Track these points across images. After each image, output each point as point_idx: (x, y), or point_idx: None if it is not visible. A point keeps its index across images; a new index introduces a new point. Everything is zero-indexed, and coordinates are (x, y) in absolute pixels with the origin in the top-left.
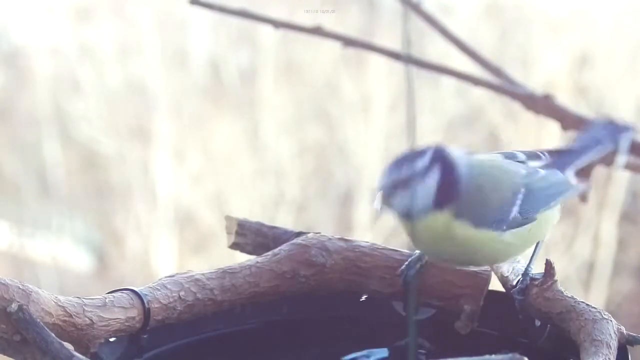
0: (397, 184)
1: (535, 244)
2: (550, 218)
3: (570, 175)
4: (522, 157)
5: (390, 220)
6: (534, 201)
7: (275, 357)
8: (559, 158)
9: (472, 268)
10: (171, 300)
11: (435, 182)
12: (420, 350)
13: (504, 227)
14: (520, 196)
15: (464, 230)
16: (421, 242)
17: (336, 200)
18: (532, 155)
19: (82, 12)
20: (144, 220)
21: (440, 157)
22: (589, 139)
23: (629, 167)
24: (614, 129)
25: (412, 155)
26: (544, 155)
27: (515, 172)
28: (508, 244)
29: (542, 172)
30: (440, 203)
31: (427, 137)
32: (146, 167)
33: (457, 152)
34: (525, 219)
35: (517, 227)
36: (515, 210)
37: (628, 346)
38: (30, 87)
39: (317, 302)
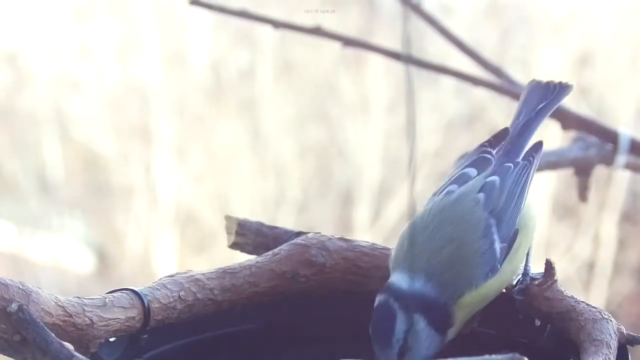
0: (400, 353)
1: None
2: (529, 214)
3: (529, 154)
4: (473, 173)
5: (390, 219)
6: (507, 219)
7: (275, 357)
8: (509, 143)
9: None
10: (171, 300)
11: (426, 325)
12: None
13: (498, 267)
14: (493, 229)
15: (470, 297)
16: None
17: (336, 200)
18: (482, 162)
19: (82, 12)
20: (144, 220)
21: (407, 308)
22: (528, 107)
23: (629, 167)
24: (550, 90)
25: (386, 324)
26: (492, 154)
27: (474, 210)
28: (509, 271)
29: (497, 181)
30: (443, 333)
31: (427, 137)
32: (146, 167)
33: (401, 276)
34: (509, 240)
35: (507, 254)
36: (497, 247)
37: (628, 346)
38: (30, 87)
39: (317, 302)
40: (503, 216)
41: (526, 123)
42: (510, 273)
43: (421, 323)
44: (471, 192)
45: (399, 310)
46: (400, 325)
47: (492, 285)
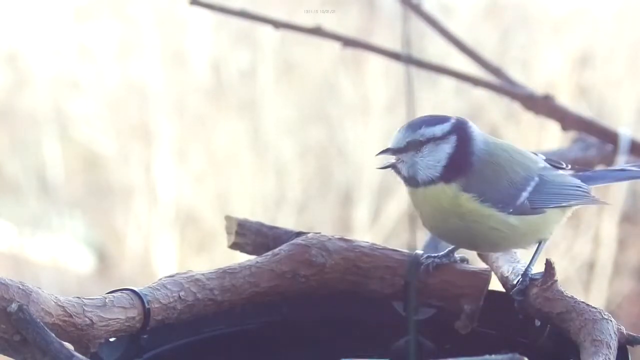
0: (410, 144)
1: (537, 242)
2: (558, 217)
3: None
4: (542, 157)
5: (390, 219)
6: (546, 194)
7: (275, 357)
8: (582, 172)
9: (470, 266)
10: (171, 300)
11: (449, 152)
12: None
13: (510, 210)
14: (532, 183)
15: (470, 204)
16: (424, 212)
17: (336, 200)
18: (555, 161)
19: (82, 12)
20: (144, 220)
21: (461, 128)
22: (617, 169)
23: None
24: None
25: (433, 119)
26: (567, 166)
27: (533, 160)
28: (512, 227)
29: (560, 172)
30: (450, 175)
31: None
32: (147, 167)
33: (476, 128)
34: (533, 209)
35: (524, 214)
36: (524, 196)
37: (628, 346)
38: (30, 87)
39: (317, 302)
40: (545, 188)
41: (604, 173)
42: (508, 234)
43: (449, 144)
44: (538, 157)
45: (450, 124)
46: (438, 129)
47: (487, 217)
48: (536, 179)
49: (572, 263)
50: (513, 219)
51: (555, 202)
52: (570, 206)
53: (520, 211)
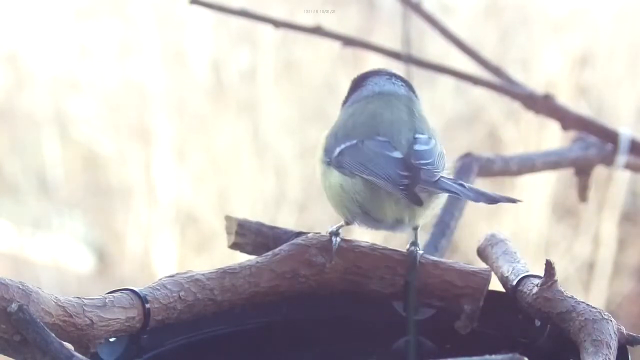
0: None
1: (343, 208)
2: (364, 195)
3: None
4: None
5: None
6: (354, 159)
7: (275, 357)
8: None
9: (470, 266)
10: (171, 300)
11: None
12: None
13: (328, 160)
14: (348, 143)
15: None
16: None
17: None
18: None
19: (82, 12)
20: (144, 220)
21: (360, 79)
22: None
23: (629, 166)
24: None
25: None
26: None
27: (378, 131)
28: (321, 178)
29: (395, 153)
30: None
31: None
32: (147, 167)
33: (384, 84)
34: (340, 167)
35: (337, 169)
36: (337, 152)
37: (628, 346)
38: (30, 87)
39: (317, 302)
40: (357, 153)
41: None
42: (323, 183)
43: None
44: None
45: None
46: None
47: (318, 166)
48: (354, 142)
49: (572, 263)
50: (333, 174)
51: (356, 169)
52: (370, 181)
53: (335, 165)
